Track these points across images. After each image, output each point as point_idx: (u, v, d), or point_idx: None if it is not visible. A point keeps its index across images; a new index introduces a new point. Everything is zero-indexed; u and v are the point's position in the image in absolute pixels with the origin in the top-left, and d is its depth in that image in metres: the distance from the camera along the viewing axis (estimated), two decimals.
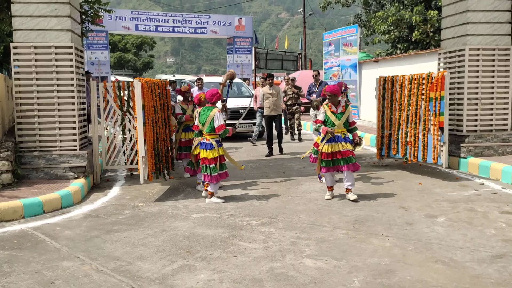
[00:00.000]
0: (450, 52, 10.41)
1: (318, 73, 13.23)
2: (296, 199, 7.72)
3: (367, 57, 20.14)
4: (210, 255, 5.30)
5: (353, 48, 17.70)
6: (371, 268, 4.85)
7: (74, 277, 4.74)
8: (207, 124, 7.56)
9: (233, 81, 9.24)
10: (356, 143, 7.55)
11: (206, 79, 19.44)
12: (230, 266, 4.99)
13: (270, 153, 12.05)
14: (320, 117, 7.70)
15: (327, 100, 7.75)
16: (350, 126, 7.54)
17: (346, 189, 7.54)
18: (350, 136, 7.64)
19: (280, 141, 12.35)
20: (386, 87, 10.08)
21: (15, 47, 8.62)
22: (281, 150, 12.28)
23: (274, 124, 12.26)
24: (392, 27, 20.01)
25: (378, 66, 16.77)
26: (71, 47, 8.75)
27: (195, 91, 12.25)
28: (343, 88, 8.60)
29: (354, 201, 7.45)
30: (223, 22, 25.70)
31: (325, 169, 7.50)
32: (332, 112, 7.45)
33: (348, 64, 17.97)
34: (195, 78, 20.45)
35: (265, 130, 12.87)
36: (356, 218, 6.63)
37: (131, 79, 10.15)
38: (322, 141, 7.50)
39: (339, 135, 7.42)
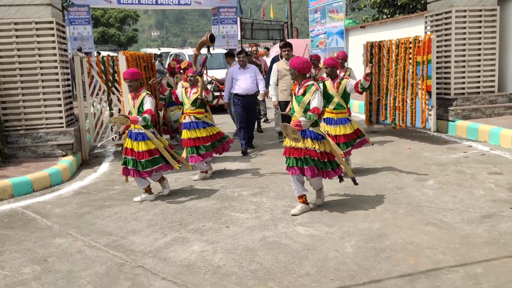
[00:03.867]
0: (436, 14, 10.33)
1: (291, 45, 9.12)
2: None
3: (353, 24, 19.96)
4: (202, 227, 5.31)
5: (339, 15, 17.52)
6: (362, 233, 4.90)
7: (67, 254, 4.74)
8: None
9: (211, 47, 7.49)
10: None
11: (191, 51, 19.15)
12: (222, 236, 5.01)
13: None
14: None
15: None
16: (309, 111, 5.36)
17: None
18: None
19: None
20: (374, 52, 10.02)
21: None
22: None
23: None
24: None
25: (364, 32, 16.65)
26: (52, 22, 8.54)
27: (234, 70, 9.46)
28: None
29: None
30: None
31: (290, 170, 5.61)
32: (294, 94, 5.65)
33: (334, 31, 17.82)
34: (181, 51, 20.05)
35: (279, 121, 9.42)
36: (347, 184, 6.64)
37: (116, 54, 9.92)
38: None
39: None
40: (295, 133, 5.14)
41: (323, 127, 6.76)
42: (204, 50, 7.47)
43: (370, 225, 5.11)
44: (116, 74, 9.03)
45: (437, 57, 9.67)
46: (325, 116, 6.93)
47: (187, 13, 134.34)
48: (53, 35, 8.57)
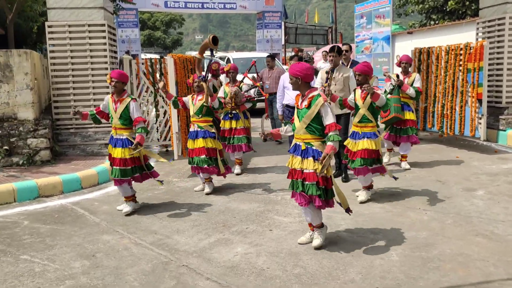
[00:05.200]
0: (489, 21, 10.03)
1: (350, 47, 8.46)
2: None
3: (400, 29, 19.64)
4: (246, 229, 5.32)
5: (385, 20, 17.26)
6: (409, 242, 4.79)
7: (114, 250, 4.84)
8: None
9: (214, 50, 7.04)
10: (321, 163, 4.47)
11: (235, 55, 19.31)
12: (266, 239, 5.01)
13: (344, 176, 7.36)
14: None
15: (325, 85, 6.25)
16: (325, 131, 4.59)
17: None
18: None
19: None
20: (422, 59, 9.82)
21: (49, 26, 8.71)
22: (345, 176, 7.35)
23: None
24: None
25: (412, 38, 16.34)
26: (104, 25, 8.80)
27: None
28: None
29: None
30: None
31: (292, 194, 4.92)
32: (296, 107, 4.80)
33: (380, 36, 17.56)
34: (225, 54, 20.24)
35: None
36: (392, 192, 6.54)
37: (157, 57, 10.09)
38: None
39: (299, 143, 4.72)
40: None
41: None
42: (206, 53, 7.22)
43: (416, 234, 4.99)
44: (163, 76, 9.20)
45: (489, 65, 9.37)
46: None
47: (231, 17, 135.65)
48: (104, 37, 8.82)
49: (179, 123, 8.25)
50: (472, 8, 17.41)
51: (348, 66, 7.70)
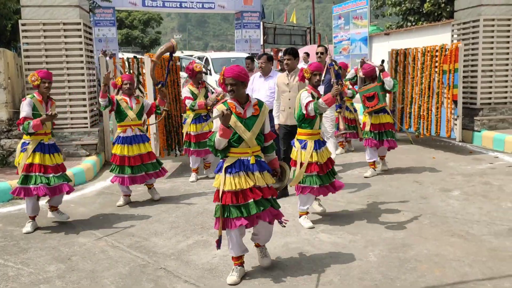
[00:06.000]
0: (464, 23, 10.19)
1: (326, 49, 7.58)
2: None
3: (377, 30, 19.84)
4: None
5: (363, 21, 17.43)
6: (386, 242, 4.83)
7: (91, 253, 4.77)
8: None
9: (174, 55, 6.60)
10: (276, 175, 4.30)
11: (214, 55, 19.23)
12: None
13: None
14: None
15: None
16: (265, 141, 4.23)
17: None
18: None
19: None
20: (398, 60, 9.93)
21: (23, 24, 8.54)
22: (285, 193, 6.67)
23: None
24: None
25: (389, 39, 16.53)
26: (79, 23, 8.66)
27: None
28: (329, 63, 6.09)
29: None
30: None
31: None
32: (238, 115, 4.06)
33: (358, 37, 17.73)
34: (204, 54, 20.08)
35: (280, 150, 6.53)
36: (370, 193, 6.59)
37: (140, 56, 9.99)
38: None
39: (245, 158, 4.09)
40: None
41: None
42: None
43: (394, 235, 5.03)
44: (140, 76, 9.10)
45: (464, 66, 9.52)
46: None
47: (209, 16, 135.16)
48: (80, 36, 8.68)
49: (157, 123, 8.17)
50: (448, 10, 17.68)
51: (325, 69, 7.05)
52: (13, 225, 5.64)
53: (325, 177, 5.35)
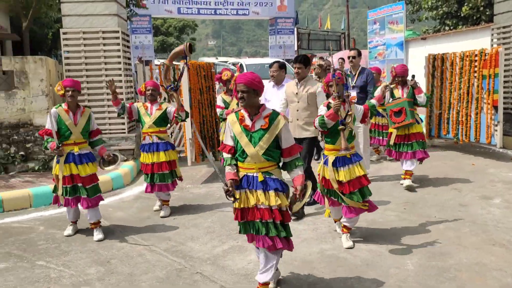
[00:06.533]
0: (504, 27, 9.94)
1: (359, 53, 7.39)
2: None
3: (413, 35, 19.54)
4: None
5: (399, 26, 17.20)
6: (424, 251, 4.74)
7: (129, 257, 4.86)
8: None
9: (188, 57, 6.05)
10: (294, 199, 3.84)
11: (248, 61, 19.35)
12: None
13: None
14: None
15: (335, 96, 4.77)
16: (283, 156, 3.85)
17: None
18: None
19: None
20: (436, 65, 9.77)
21: (64, 33, 8.80)
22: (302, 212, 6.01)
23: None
24: (440, 2, 19.29)
25: (425, 44, 16.24)
26: (117, 32, 8.87)
27: None
28: (332, 73, 4.90)
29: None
30: (265, 2, 25.43)
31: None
32: (245, 127, 3.82)
33: (394, 42, 17.50)
34: (239, 60, 20.21)
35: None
36: (407, 200, 6.49)
37: (176, 63, 10.13)
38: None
39: (253, 174, 3.82)
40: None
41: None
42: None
43: (432, 243, 4.94)
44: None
45: (504, 71, 9.28)
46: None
47: (244, 23, 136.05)
48: (118, 44, 8.89)
49: (193, 129, 8.26)
50: (487, 13, 17.28)
51: (357, 74, 7.32)
52: (54, 228, 5.80)
53: (349, 196, 4.77)
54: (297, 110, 5.99)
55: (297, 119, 5.99)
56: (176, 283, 4.24)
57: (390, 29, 17.75)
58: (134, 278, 4.36)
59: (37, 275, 4.48)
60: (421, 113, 12.25)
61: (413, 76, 7.12)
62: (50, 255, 4.95)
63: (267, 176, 3.78)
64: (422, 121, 7.29)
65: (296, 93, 5.99)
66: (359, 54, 7.42)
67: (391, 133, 7.22)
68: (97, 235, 5.42)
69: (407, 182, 6.98)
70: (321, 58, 17.28)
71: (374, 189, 6.99)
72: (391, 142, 7.15)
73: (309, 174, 5.86)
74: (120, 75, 8.89)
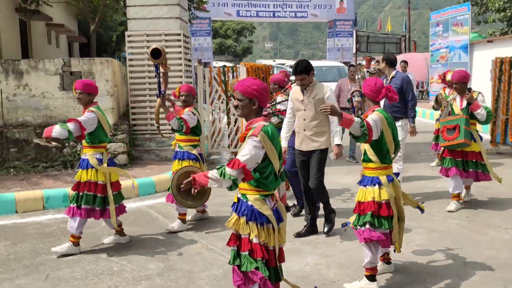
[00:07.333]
0: None
1: (406, 63, 7.34)
2: (403, 185, 7.44)
3: (479, 38, 18.85)
4: (316, 240, 5.29)
5: (464, 28, 16.65)
6: (489, 261, 4.57)
7: (187, 254, 4.97)
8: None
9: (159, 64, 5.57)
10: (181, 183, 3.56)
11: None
12: (336, 251, 4.95)
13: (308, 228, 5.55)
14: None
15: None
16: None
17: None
18: None
19: (315, 211, 5.63)
20: (503, 69, 9.38)
21: (129, 35, 9.12)
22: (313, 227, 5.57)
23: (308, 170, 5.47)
24: (508, 4, 18.53)
25: (492, 46, 15.63)
26: (179, 34, 9.10)
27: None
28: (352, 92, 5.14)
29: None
30: (323, 5, 25.30)
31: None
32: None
33: (458, 45, 16.95)
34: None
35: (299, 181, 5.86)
36: (469, 208, 6.26)
37: (231, 65, 10.27)
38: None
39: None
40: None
41: None
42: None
43: (497, 253, 4.75)
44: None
45: None
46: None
47: (301, 25, 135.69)
48: (179, 46, 9.12)
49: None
50: None
51: (390, 78, 6.66)
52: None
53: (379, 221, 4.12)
54: (304, 120, 5.28)
55: (304, 130, 5.28)
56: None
57: (454, 31, 17.20)
58: (192, 275, 4.45)
59: (101, 267, 4.67)
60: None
61: (469, 90, 6.30)
62: (113, 250, 5.14)
63: (241, 199, 3.43)
64: (481, 139, 6.26)
65: (302, 100, 5.27)
66: (407, 63, 6.97)
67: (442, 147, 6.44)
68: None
69: (455, 205, 6.20)
70: (377, 62, 17.05)
71: (434, 196, 6.84)
72: (447, 155, 6.27)
73: (321, 192, 5.42)
74: (181, 76, 9.11)
